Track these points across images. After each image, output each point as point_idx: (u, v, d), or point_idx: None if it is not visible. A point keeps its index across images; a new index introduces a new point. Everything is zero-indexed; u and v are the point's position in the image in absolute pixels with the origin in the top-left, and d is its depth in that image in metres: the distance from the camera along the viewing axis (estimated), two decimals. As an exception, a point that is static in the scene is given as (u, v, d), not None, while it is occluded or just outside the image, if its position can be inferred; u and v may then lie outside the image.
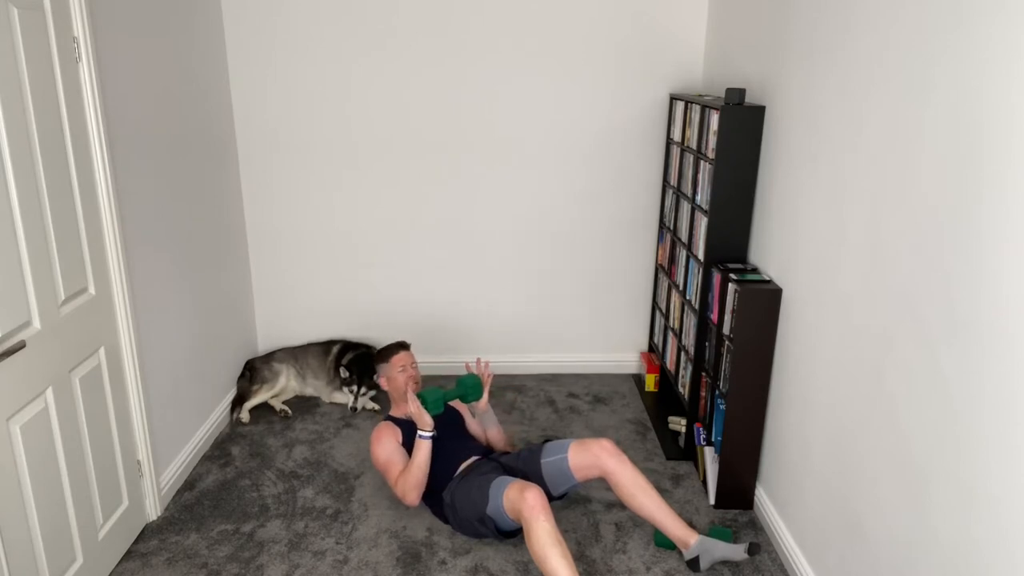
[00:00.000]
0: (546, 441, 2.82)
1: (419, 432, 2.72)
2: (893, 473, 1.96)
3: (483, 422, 3.00)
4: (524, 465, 2.77)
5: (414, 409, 2.71)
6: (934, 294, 1.78)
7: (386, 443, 2.87)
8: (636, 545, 2.72)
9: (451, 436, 2.91)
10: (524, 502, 2.38)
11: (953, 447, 1.71)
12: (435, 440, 2.84)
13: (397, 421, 2.98)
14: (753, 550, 2.48)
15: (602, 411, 3.76)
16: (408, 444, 2.90)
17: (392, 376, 3.01)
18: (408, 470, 2.74)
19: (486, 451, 2.94)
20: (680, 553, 2.67)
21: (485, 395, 2.89)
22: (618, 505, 2.96)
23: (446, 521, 2.81)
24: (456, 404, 3.12)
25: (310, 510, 2.93)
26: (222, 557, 2.65)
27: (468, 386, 2.84)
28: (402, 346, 3.09)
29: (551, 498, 2.78)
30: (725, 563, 2.60)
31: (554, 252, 3.99)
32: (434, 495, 2.82)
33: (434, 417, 2.91)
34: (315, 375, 3.86)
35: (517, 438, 3.47)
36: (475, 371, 2.88)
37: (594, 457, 2.65)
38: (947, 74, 1.73)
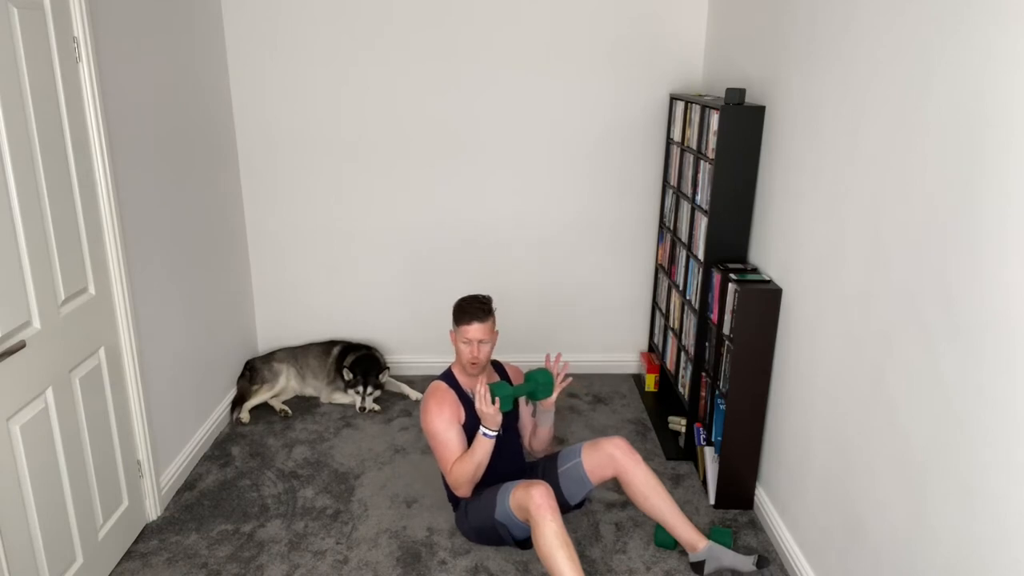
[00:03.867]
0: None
1: (483, 429, 2.49)
2: (893, 473, 1.96)
3: (539, 419, 2.76)
4: (543, 477, 2.73)
5: (485, 409, 2.46)
6: (934, 294, 1.78)
7: (448, 419, 2.59)
8: (636, 545, 2.72)
9: (504, 432, 2.73)
10: (531, 500, 2.34)
11: (953, 447, 1.71)
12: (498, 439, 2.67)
13: (462, 396, 2.67)
14: (762, 563, 2.46)
15: (602, 411, 3.76)
16: (470, 427, 2.65)
17: (457, 341, 2.62)
18: (465, 463, 2.53)
19: (523, 457, 2.80)
20: (680, 553, 2.67)
21: (555, 395, 2.66)
22: (618, 505, 2.96)
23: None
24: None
25: (310, 510, 2.93)
26: (222, 557, 2.65)
27: (539, 383, 2.61)
28: (479, 313, 2.57)
29: (568, 508, 2.71)
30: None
31: (554, 252, 3.99)
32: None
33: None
34: (315, 375, 3.86)
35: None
36: (549, 367, 2.66)
37: (607, 456, 2.59)
38: (947, 74, 1.73)
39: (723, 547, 2.52)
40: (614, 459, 2.58)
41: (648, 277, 4.07)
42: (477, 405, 2.48)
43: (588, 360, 4.19)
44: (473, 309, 2.57)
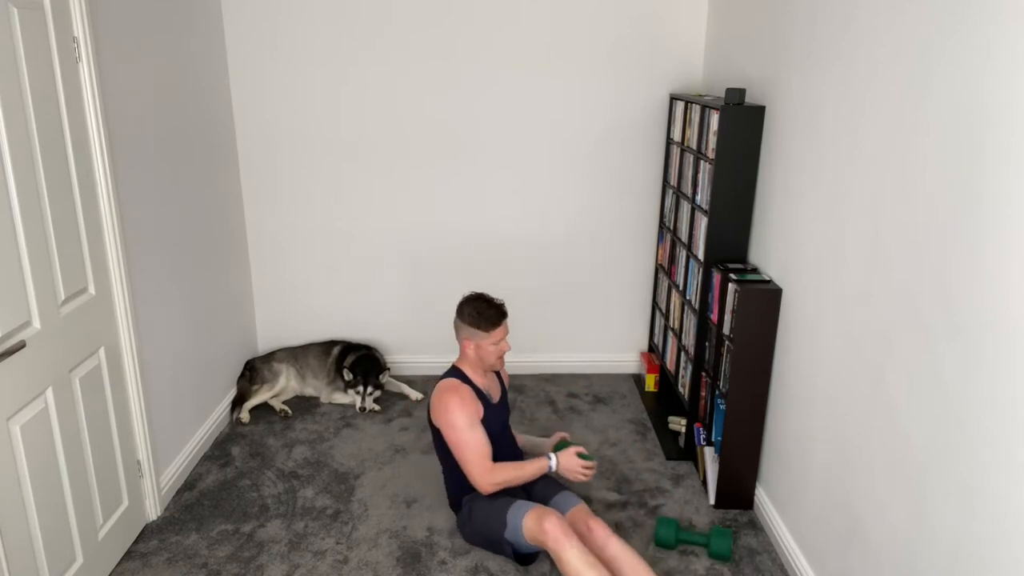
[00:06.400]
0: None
1: (552, 460, 2.55)
2: (893, 473, 1.96)
3: (533, 444, 2.92)
4: (543, 493, 2.70)
5: (576, 470, 2.52)
6: (934, 294, 1.78)
7: (472, 416, 2.58)
8: (636, 545, 2.72)
9: (503, 433, 2.76)
10: (546, 536, 2.33)
11: (953, 447, 1.71)
12: (495, 434, 2.70)
13: (479, 392, 2.68)
14: None
15: (602, 411, 3.76)
16: (487, 423, 2.66)
17: (483, 346, 2.64)
18: (509, 472, 2.54)
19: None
20: (680, 553, 2.67)
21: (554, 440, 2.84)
22: (618, 505, 2.96)
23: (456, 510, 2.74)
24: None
25: (310, 510, 2.93)
26: (222, 557, 2.65)
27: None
28: (501, 315, 2.64)
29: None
30: (724, 563, 2.60)
31: (554, 251, 3.99)
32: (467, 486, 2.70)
33: (495, 408, 2.73)
34: (315, 375, 3.86)
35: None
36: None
37: (596, 542, 2.46)
38: (947, 74, 1.73)
39: None
40: (604, 543, 2.46)
41: (648, 277, 4.07)
42: (571, 467, 2.54)
43: (588, 360, 4.19)
44: (492, 313, 2.63)
